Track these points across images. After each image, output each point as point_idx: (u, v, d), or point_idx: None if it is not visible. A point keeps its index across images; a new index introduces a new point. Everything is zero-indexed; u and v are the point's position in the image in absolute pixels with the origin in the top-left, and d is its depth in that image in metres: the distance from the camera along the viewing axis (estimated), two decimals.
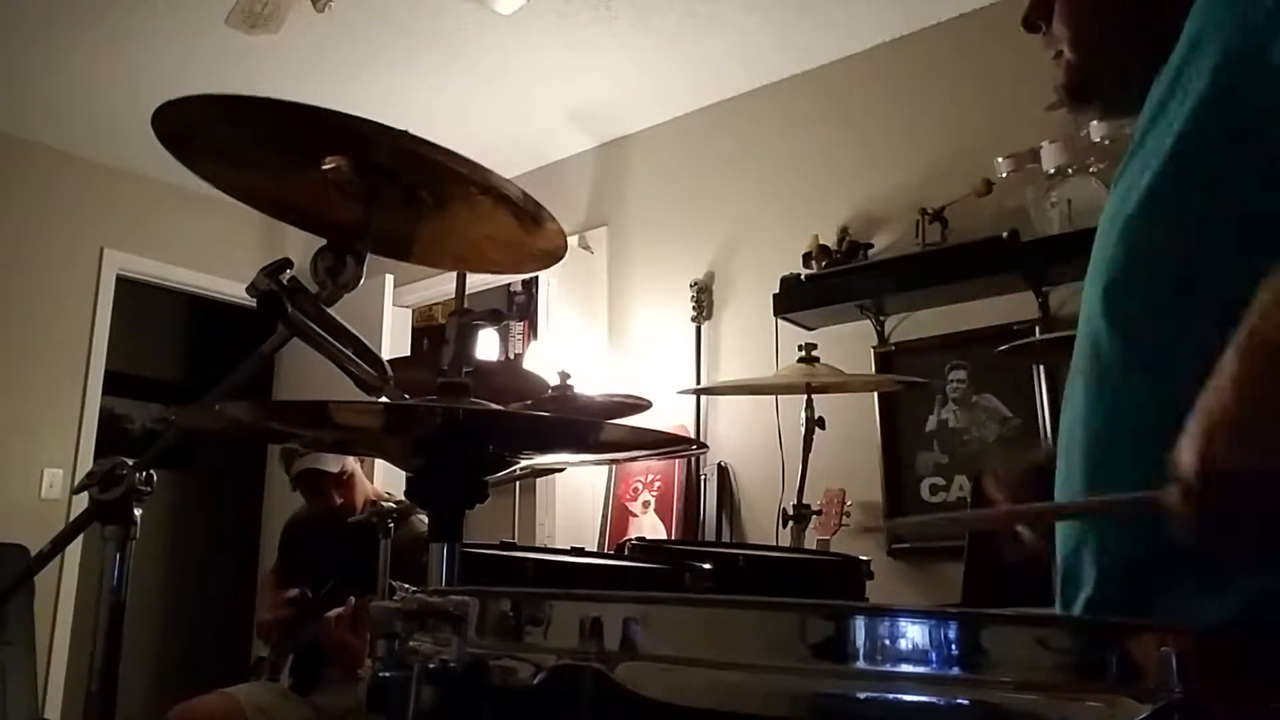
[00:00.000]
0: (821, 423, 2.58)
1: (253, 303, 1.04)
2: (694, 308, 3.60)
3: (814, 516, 2.65)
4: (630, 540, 2.05)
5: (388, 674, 0.63)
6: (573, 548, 2.06)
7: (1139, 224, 0.82)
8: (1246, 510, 0.62)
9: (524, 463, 1.28)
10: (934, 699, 0.47)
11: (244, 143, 1.11)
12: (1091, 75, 0.95)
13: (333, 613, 2.35)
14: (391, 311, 4.38)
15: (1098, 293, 0.85)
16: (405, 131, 1.01)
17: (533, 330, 4.66)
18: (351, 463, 2.63)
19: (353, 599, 2.33)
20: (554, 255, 1.26)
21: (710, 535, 3.33)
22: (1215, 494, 0.62)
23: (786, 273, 3.22)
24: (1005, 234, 2.75)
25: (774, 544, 2.93)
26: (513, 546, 1.83)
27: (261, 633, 2.71)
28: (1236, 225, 0.76)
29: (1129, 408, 0.82)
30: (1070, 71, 0.95)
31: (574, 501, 3.74)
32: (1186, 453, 0.64)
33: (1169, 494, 0.64)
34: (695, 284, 3.63)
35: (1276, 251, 0.65)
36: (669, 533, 3.39)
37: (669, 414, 3.41)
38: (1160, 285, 0.81)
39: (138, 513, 1.12)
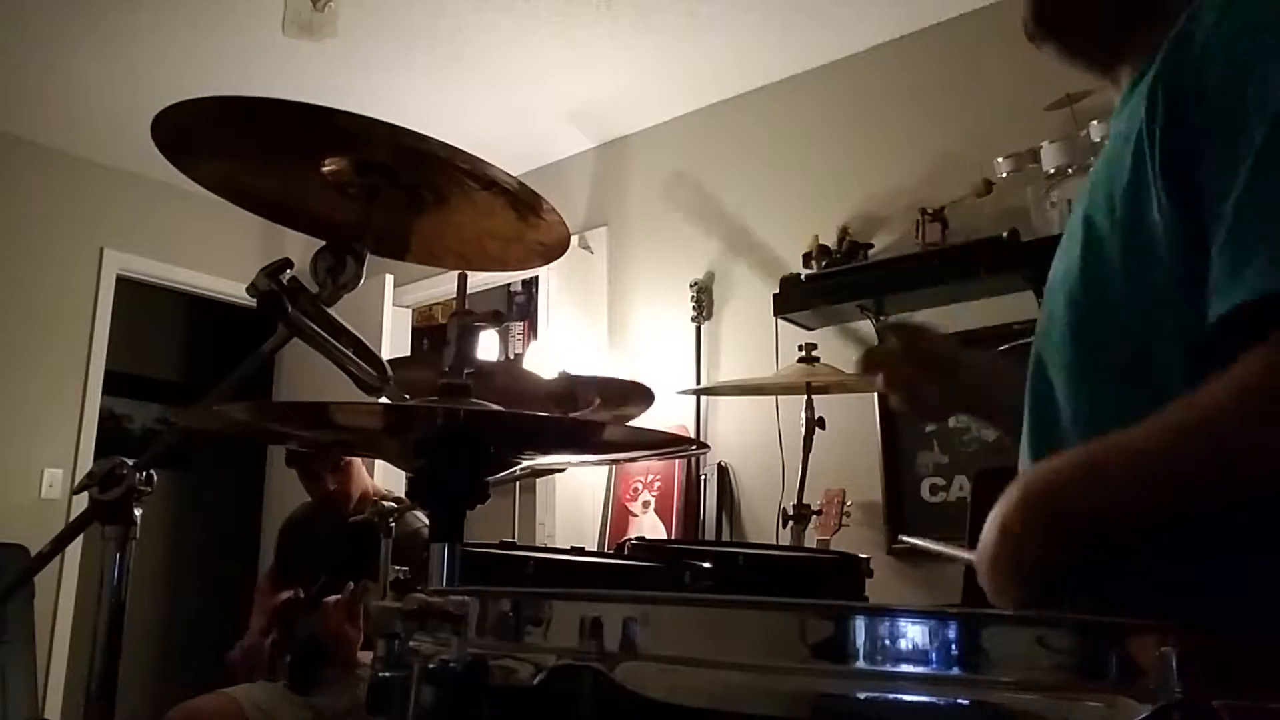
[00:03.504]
0: (821, 423, 2.58)
1: (253, 303, 1.04)
2: (694, 308, 3.60)
3: (814, 516, 2.65)
4: (630, 540, 2.05)
5: (388, 674, 0.63)
6: (573, 548, 2.06)
7: (1101, 233, 0.79)
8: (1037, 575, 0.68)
9: (525, 463, 1.28)
10: (934, 699, 0.47)
11: (244, 144, 1.11)
12: (1058, 2, 0.94)
13: (330, 599, 2.34)
14: (391, 311, 4.38)
15: (1062, 296, 0.83)
16: (402, 128, 1.01)
17: (533, 330, 4.66)
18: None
19: (351, 584, 2.32)
20: (555, 249, 1.26)
21: (710, 535, 3.33)
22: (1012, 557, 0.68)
23: (786, 273, 3.22)
24: (1005, 234, 2.75)
25: (774, 543, 2.93)
26: (513, 546, 1.83)
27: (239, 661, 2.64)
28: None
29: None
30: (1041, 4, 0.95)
31: (574, 501, 3.74)
32: (993, 519, 0.69)
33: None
34: (695, 284, 3.63)
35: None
36: (669, 533, 3.39)
37: (669, 414, 3.41)
38: (1118, 303, 0.78)
39: (138, 513, 1.12)
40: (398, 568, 1.80)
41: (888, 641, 0.48)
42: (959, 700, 0.47)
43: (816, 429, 2.57)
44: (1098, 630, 0.49)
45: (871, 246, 3.23)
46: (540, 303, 4.23)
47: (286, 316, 1.04)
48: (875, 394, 3.06)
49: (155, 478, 1.13)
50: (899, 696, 0.48)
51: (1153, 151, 0.72)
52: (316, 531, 2.70)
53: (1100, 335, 0.78)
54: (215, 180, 1.17)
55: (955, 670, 0.48)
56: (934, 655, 0.48)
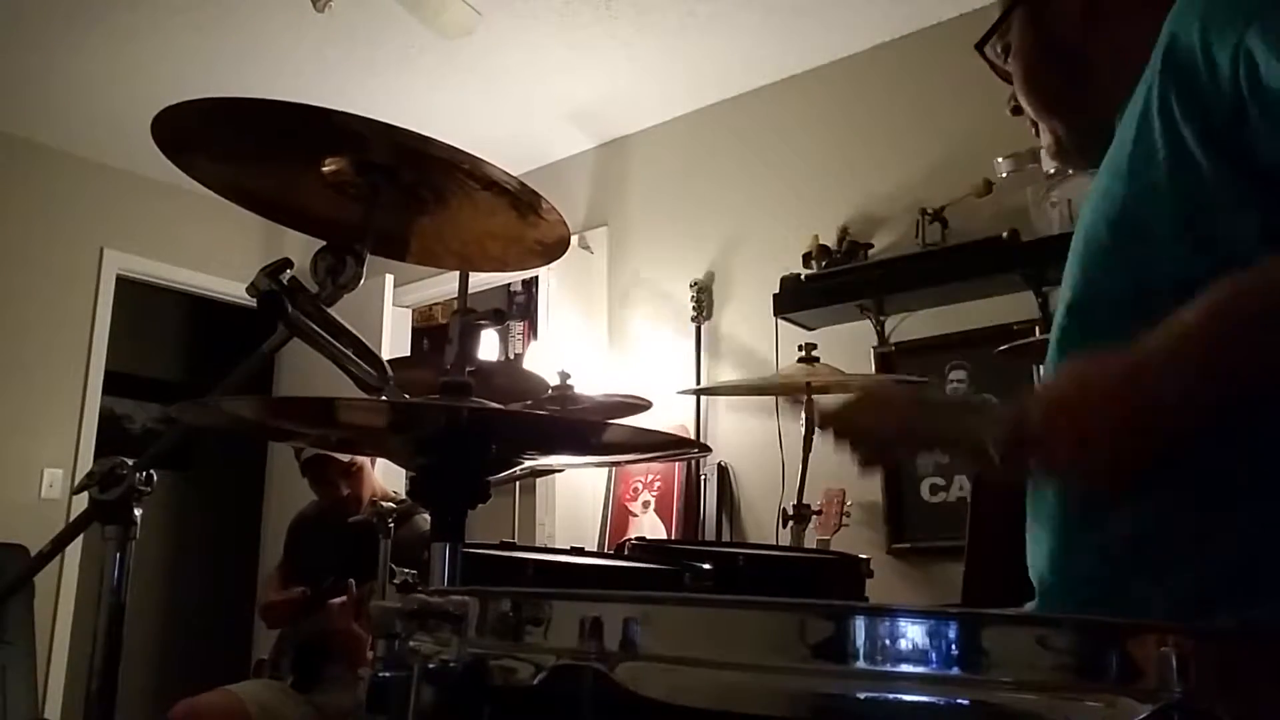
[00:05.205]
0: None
1: (253, 303, 1.04)
2: (694, 308, 3.60)
3: (814, 516, 2.65)
4: (630, 540, 2.05)
5: (388, 674, 0.63)
6: (573, 548, 2.06)
7: (1098, 238, 0.82)
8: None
9: (526, 463, 1.28)
10: (934, 699, 0.48)
11: (244, 145, 1.11)
12: (1070, 134, 1.01)
13: (336, 600, 2.36)
14: (391, 311, 4.38)
15: (1064, 307, 0.86)
16: (402, 129, 1.01)
17: (533, 330, 4.66)
18: (362, 456, 2.64)
19: (352, 582, 2.34)
20: (555, 249, 1.26)
21: (710, 535, 3.32)
22: (1030, 454, 0.63)
23: (786, 273, 3.22)
24: (1005, 234, 2.75)
25: (774, 544, 2.93)
26: (513, 546, 1.83)
27: (264, 614, 2.75)
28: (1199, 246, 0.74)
29: None
30: (1055, 139, 1.03)
31: (574, 501, 3.74)
32: (1038, 406, 0.66)
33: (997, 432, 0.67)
34: (695, 284, 3.62)
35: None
36: (669, 533, 3.39)
37: (669, 414, 3.41)
38: (1120, 309, 0.79)
39: (138, 513, 1.12)
40: (405, 570, 1.81)
41: (888, 641, 0.48)
42: (959, 700, 0.47)
43: (816, 429, 2.57)
44: (1098, 630, 0.49)
45: (871, 246, 3.23)
46: (540, 303, 4.23)
47: (286, 316, 1.04)
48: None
49: (155, 478, 1.13)
50: (899, 696, 0.48)
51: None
52: (326, 531, 2.71)
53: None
54: (215, 180, 1.17)
55: (955, 670, 0.48)
56: (934, 655, 0.48)
